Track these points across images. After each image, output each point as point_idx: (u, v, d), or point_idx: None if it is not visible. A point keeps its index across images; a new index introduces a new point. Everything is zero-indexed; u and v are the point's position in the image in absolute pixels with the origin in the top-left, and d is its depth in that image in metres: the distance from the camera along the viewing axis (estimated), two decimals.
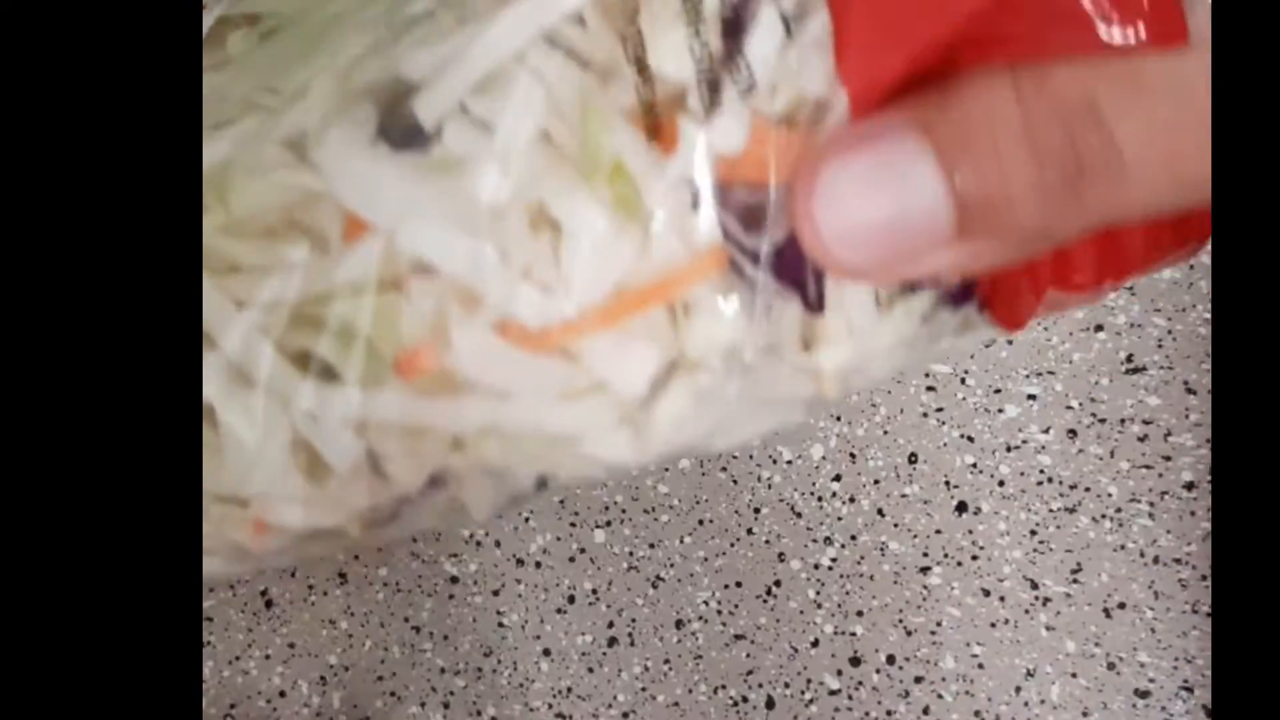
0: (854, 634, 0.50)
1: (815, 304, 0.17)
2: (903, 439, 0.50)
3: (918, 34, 0.15)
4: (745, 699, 0.51)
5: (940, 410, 0.49)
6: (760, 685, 0.51)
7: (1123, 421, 0.48)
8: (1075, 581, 0.49)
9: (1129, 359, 0.48)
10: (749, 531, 0.51)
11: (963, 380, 0.49)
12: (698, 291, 0.17)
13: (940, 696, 0.50)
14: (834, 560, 0.50)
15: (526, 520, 0.52)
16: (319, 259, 0.17)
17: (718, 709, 0.51)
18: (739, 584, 0.51)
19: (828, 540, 0.50)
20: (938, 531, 0.49)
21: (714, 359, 0.17)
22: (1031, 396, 0.49)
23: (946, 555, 0.49)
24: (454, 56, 0.16)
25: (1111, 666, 0.48)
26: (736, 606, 0.51)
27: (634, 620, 0.52)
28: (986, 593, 0.49)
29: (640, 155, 0.16)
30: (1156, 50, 0.14)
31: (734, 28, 0.16)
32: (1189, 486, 0.47)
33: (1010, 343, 0.49)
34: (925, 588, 0.50)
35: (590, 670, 0.52)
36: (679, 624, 0.51)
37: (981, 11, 0.14)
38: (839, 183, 0.15)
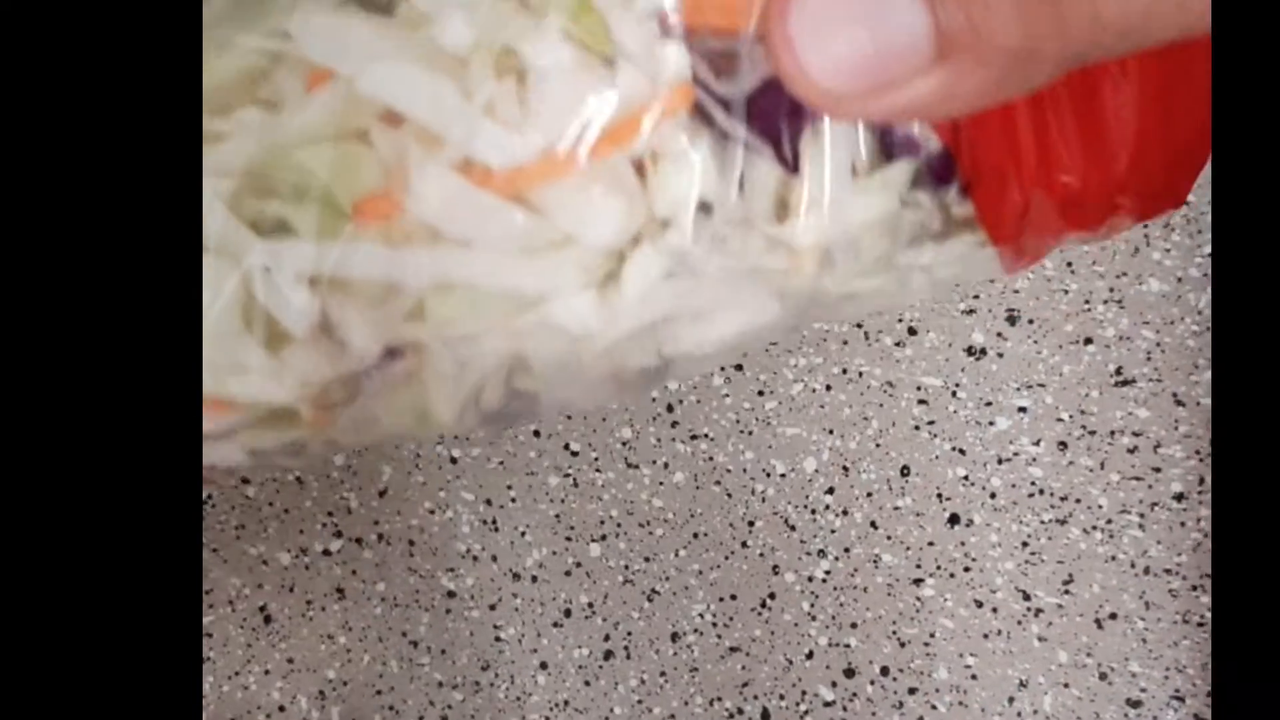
0: (848, 646, 0.51)
1: (790, 161, 0.16)
2: (895, 452, 0.50)
3: None
4: (741, 711, 0.51)
5: (932, 423, 0.50)
6: (755, 697, 0.51)
7: (1113, 434, 0.48)
8: (1067, 592, 0.49)
9: (1118, 372, 0.48)
10: (743, 545, 0.51)
11: (954, 393, 0.49)
12: (665, 135, 0.16)
13: (934, 707, 0.50)
14: (828, 573, 0.51)
15: (522, 535, 0.53)
16: (274, 118, 0.16)
17: None
18: (734, 596, 0.51)
19: (821, 553, 0.51)
20: (930, 543, 0.50)
21: (682, 215, 0.16)
22: (1022, 409, 0.49)
23: (939, 567, 0.50)
24: None
25: (1103, 677, 0.49)
26: (731, 619, 0.51)
27: (630, 633, 0.52)
28: (979, 604, 0.50)
29: None
30: None
31: None
32: (1179, 498, 0.48)
33: (1001, 355, 0.49)
34: (918, 599, 0.50)
35: (587, 683, 0.52)
36: (674, 637, 0.52)
37: None
38: (818, 5, 0.14)
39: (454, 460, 0.53)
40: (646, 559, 0.52)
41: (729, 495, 0.51)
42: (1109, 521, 0.49)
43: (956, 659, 0.50)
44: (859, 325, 0.50)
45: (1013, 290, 0.49)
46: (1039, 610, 0.49)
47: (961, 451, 0.49)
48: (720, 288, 0.18)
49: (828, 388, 0.50)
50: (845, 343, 0.50)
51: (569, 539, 0.52)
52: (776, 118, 0.16)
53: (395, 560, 0.53)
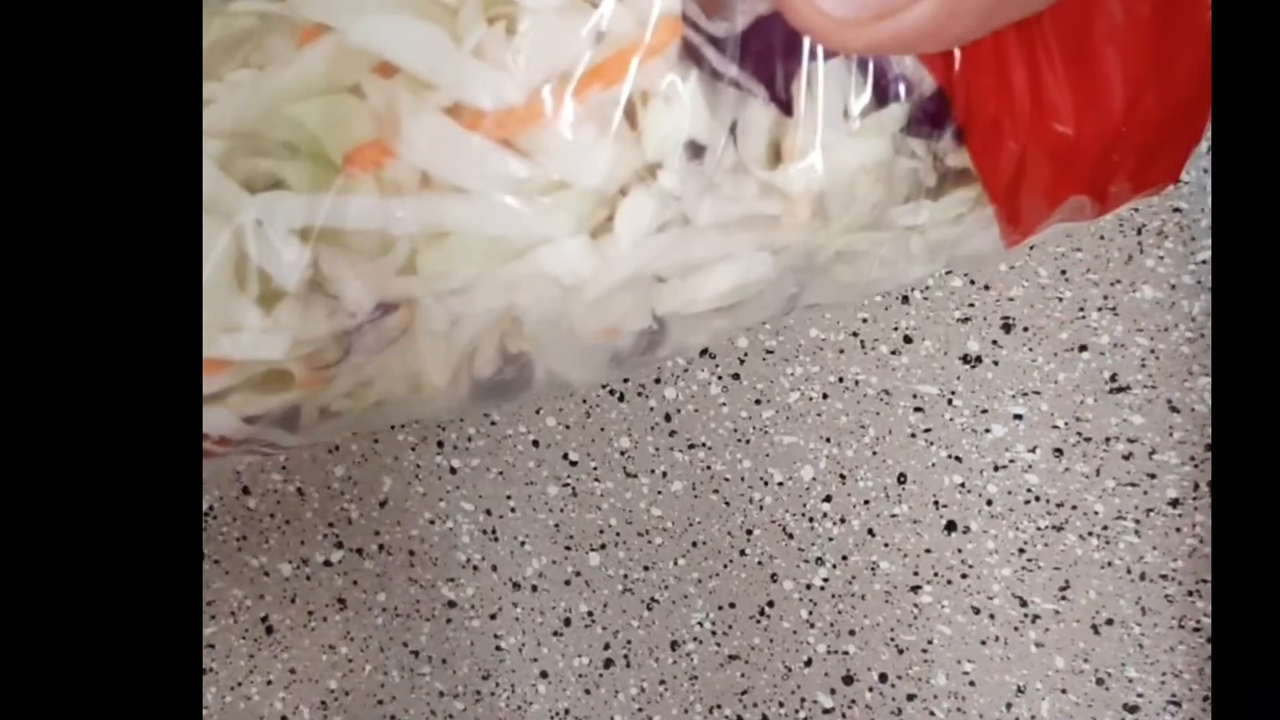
0: (846, 653, 0.51)
1: (784, 103, 0.16)
2: (892, 460, 0.50)
3: None
4: (740, 718, 0.52)
5: (928, 431, 0.50)
6: (755, 705, 0.52)
7: (1108, 440, 0.49)
8: (1063, 598, 0.49)
9: (1113, 379, 0.48)
10: (742, 553, 0.51)
11: (950, 401, 0.50)
12: (653, 74, 0.16)
13: (932, 714, 0.50)
14: (826, 580, 0.51)
15: (522, 544, 0.53)
16: (265, 76, 0.16)
17: None
18: (732, 605, 0.52)
19: (819, 560, 0.51)
20: (927, 550, 0.50)
21: (673, 156, 0.16)
22: (1018, 416, 0.49)
23: (936, 574, 0.50)
24: None
25: (1100, 682, 0.49)
26: (730, 627, 0.52)
27: (629, 642, 0.52)
28: (976, 610, 0.50)
29: None
30: None
31: None
32: (1174, 503, 0.48)
33: (996, 363, 0.49)
34: (916, 606, 0.50)
35: (587, 692, 0.53)
36: (674, 645, 0.52)
37: None
38: None
39: (453, 470, 0.53)
40: (645, 568, 0.52)
41: (727, 504, 0.51)
42: (1105, 528, 0.49)
43: (954, 665, 0.50)
44: (855, 334, 0.50)
45: (1007, 298, 0.49)
46: (1036, 616, 0.49)
47: (958, 459, 0.50)
48: (713, 238, 0.17)
49: (824, 396, 0.50)
50: (841, 351, 0.50)
51: (568, 548, 0.53)
52: (770, 57, 0.16)
53: (396, 570, 0.54)
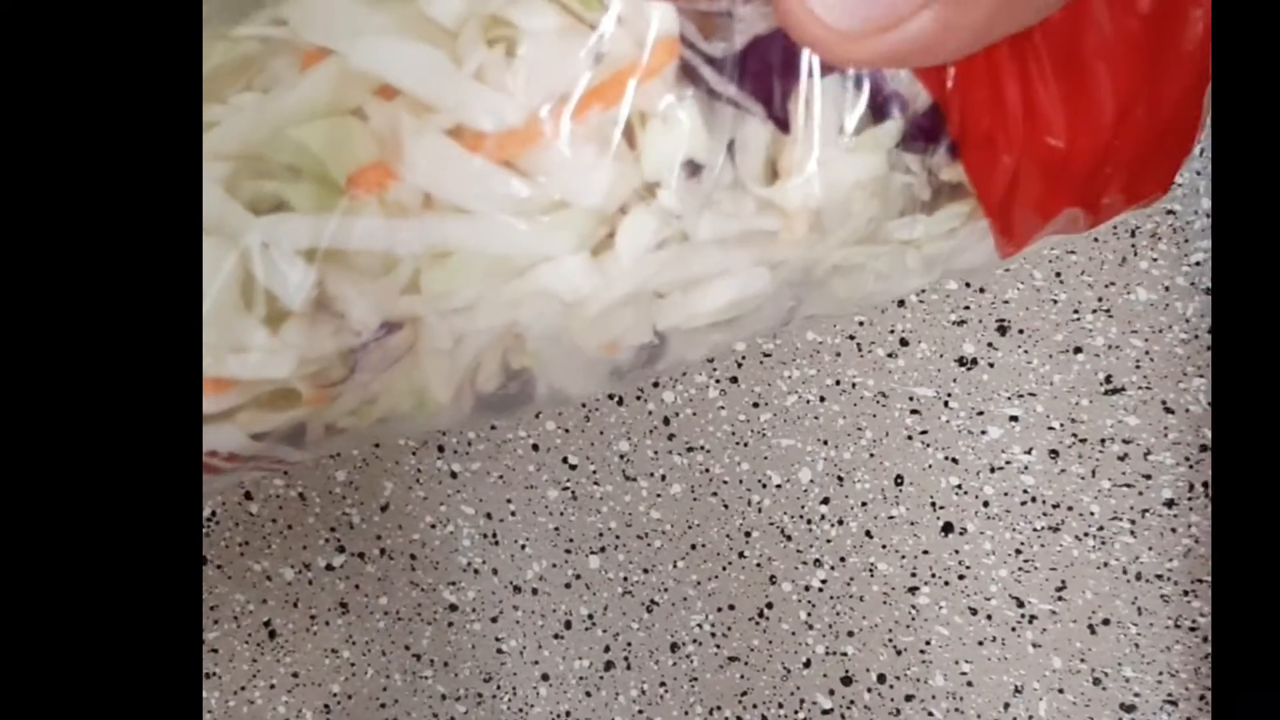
0: (845, 654, 0.51)
1: (781, 121, 0.16)
2: (889, 462, 0.51)
3: None
4: (740, 719, 0.52)
5: (924, 433, 0.50)
6: (755, 706, 0.52)
7: (1103, 441, 0.49)
8: (1060, 599, 0.49)
9: (1108, 380, 0.49)
10: (740, 555, 0.52)
11: (946, 403, 0.50)
12: (651, 95, 0.16)
13: (931, 714, 0.51)
14: (824, 582, 0.51)
15: (523, 548, 0.53)
16: (269, 99, 0.16)
17: None
18: (732, 607, 0.52)
19: (817, 562, 0.51)
20: (925, 552, 0.50)
21: (671, 175, 0.16)
22: (1013, 418, 0.50)
23: (934, 575, 0.50)
24: None
25: (1097, 682, 0.49)
26: (730, 629, 0.52)
27: (630, 644, 0.53)
28: (974, 611, 0.50)
29: None
30: None
31: None
32: (1169, 504, 0.49)
33: (992, 365, 0.50)
34: (914, 607, 0.51)
35: (588, 694, 0.53)
36: (674, 647, 0.52)
37: None
38: None
39: (454, 475, 0.53)
40: (645, 570, 0.53)
41: (726, 506, 0.52)
42: (1100, 528, 0.49)
43: (952, 666, 0.50)
44: (851, 337, 0.50)
45: (1003, 301, 0.49)
46: (1033, 617, 0.50)
47: (954, 461, 0.50)
48: (712, 253, 0.18)
49: (821, 399, 0.51)
50: (838, 354, 0.51)
51: (568, 551, 0.53)
52: (769, 76, 0.16)
53: (397, 574, 0.54)
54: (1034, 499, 0.50)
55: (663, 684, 0.53)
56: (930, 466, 0.50)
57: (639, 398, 0.52)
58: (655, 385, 0.51)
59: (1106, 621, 0.49)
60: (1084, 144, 0.18)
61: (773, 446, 0.51)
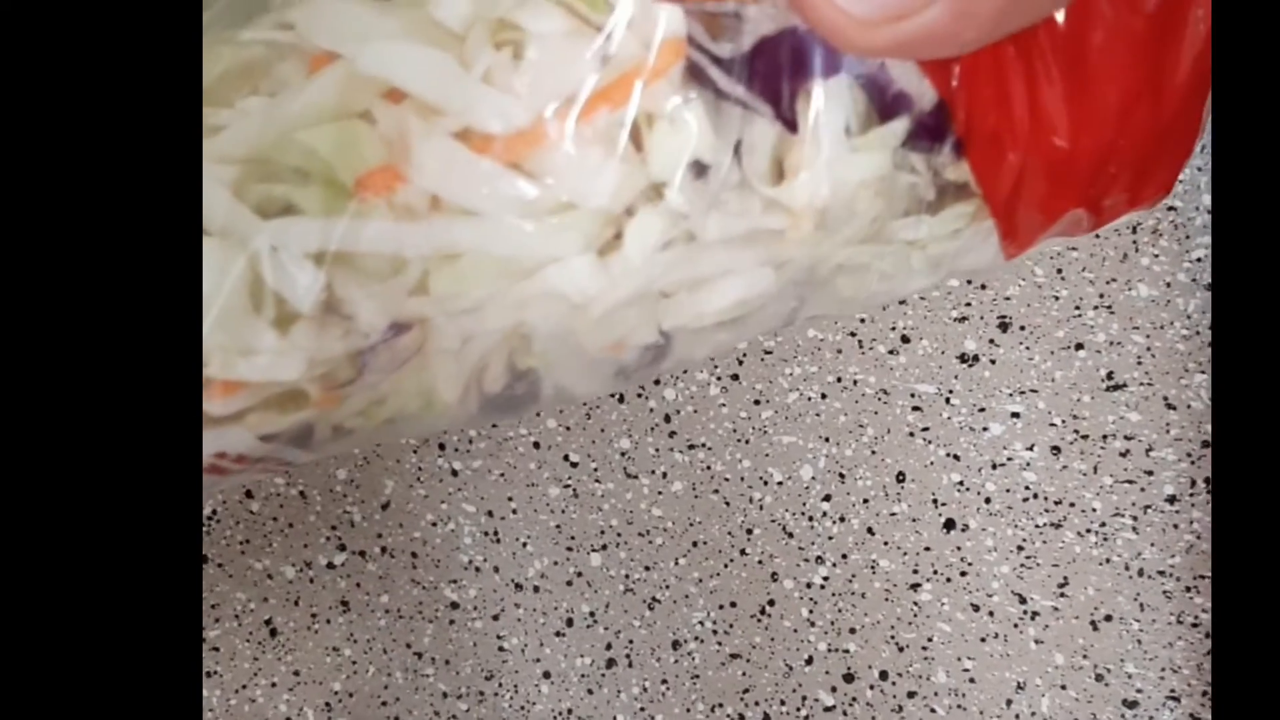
0: (847, 651, 0.51)
1: (788, 121, 0.17)
2: (890, 459, 0.51)
3: None
4: (742, 717, 0.52)
5: (926, 430, 0.50)
6: (757, 703, 0.52)
7: (1105, 437, 0.49)
8: (1062, 595, 0.49)
9: (1109, 376, 0.49)
10: (742, 552, 0.52)
11: (947, 400, 0.50)
12: (658, 96, 0.16)
13: (933, 711, 0.51)
14: (826, 579, 0.51)
15: (524, 545, 0.53)
16: (276, 103, 0.16)
17: None
18: (733, 604, 0.52)
19: (819, 559, 0.51)
20: (927, 549, 0.50)
21: (678, 176, 0.16)
22: (1015, 414, 0.50)
23: (936, 572, 0.50)
24: None
25: (1099, 678, 0.49)
26: (731, 626, 0.52)
27: (631, 642, 0.53)
28: (976, 608, 0.50)
29: None
30: None
31: None
32: (1171, 500, 0.48)
33: (993, 362, 0.50)
34: (916, 604, 0.51)
35: (590, 692, 0.53)
36: (675, 645, 0.52)
37: None
38: None
39: (455, 473, 0.53)
40: (647, 568, 0.52)
41: (727, 504, 0.52)
42: (1102, 525, 0.49)
43: (954, 662, 0.50)
44: (853, 334, 0.50)
45: (1004, 297, 0.49)
46: (1035, 613, 0.50)
47: (956, 457, 0.50)
48: (718, 253, 0.18)
49: (823, 396, 0.51)
50: (839, 351, 0.51)
51: (570, 549, 0.53)
52: (778, 76, 0.16)
53: (399, 572, 0.54)
54: (1036, 495, 0.50)
55: (664, 681, 0.53)
56: (932, 463, 0.50)
57: (640, 395, 0.52)
58: (657, 383, 0.51)
59: (1108, 618, 0.49)
60: (1088, 144, 0.18)
61: (774, 444, 0.51)
